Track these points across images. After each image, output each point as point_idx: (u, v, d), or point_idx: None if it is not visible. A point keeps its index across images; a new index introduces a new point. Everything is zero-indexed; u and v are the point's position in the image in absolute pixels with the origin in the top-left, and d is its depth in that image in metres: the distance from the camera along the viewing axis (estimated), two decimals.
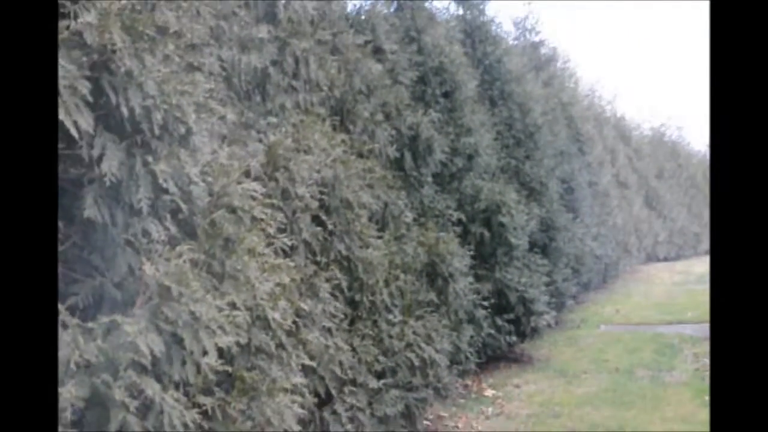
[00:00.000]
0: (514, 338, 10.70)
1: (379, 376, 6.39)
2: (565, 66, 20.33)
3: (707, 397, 9.38)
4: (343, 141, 6.51)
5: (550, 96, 15.79)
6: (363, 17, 8.75)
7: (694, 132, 60.90)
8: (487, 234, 10.21)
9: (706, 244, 31.23)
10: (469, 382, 9.64)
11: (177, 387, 3.80)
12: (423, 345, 6.99)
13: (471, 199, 10.14)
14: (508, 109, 12.47)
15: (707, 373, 10.63)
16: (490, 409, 8.93)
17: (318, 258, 5.82)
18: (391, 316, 6.83)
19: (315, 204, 5.73)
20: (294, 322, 4.89)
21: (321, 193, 5.87)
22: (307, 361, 5.03)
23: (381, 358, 6.46)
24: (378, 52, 8.33)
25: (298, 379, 4.73)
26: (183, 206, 4.04)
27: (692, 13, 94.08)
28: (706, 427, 8.15)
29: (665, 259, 26.23)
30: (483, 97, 11.87)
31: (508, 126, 12.44)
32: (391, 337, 6.69)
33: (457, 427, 8.36)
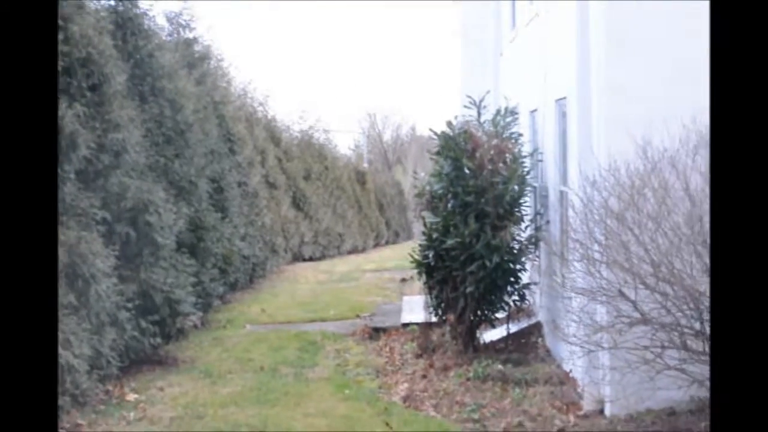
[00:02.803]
0: (159, 340, 10.52)
1: None
2: (219, 65, 20.34)
3: (347, 391, 9.81)
4: None
5: (202, 94, 15.72)
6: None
7: (340, 136, 63.49)
8: (133, 233, 9.94)
9: (349, 244, 32.68)
10: (110, 387, 9.30)
11: None
12: (60, 350, 6.65)
13: (117, 197, 9.81)
14: (159, 105, 12.23)
15: (348, 368, 11.12)
16: (132, 414, 8.68)
17: None
18: None
19: None
20: None
21: None
22: None
23: None
24: None
25: None
26: None
27: (337, 18, 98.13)
28: (346, 420, 8.57)
29: (311, 259, 27.02)
30: (133, 92, 11.53)
31: (158, 123, 12.19)
32: None
33: None
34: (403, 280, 18.39)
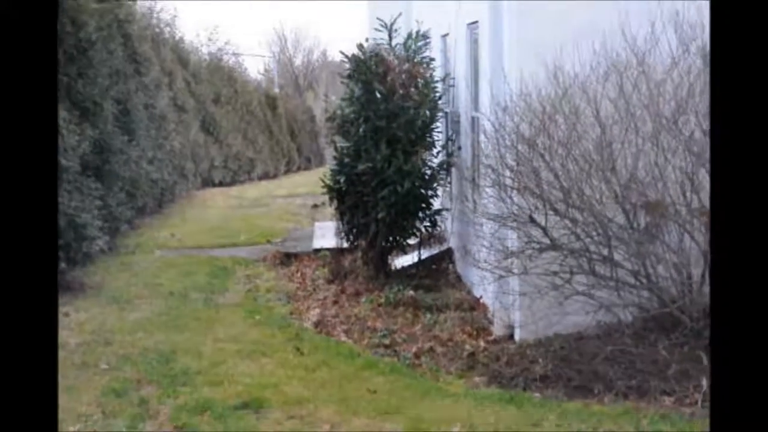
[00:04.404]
0: (64, 265, 10.24)
1: None
2: None
3: (258, 317, 9.75)
4: None
5: (105, 11, 15.09)
6: None
7: (251, 60, 62.21)
8: None
9: (260, 169, 32.31)
10: None
11: None
12: None
13: None
14: (59, 21, 11.71)
15: (259, 294, 11.05)
16: None
17: None
18: None
19: None
20: None
21: None
22: None
23: None
24: None
25: None
26: None
27: None
28: (256, 345, 8.54)
29: (221, 184, 26.64)
30: None
31: (58, 40, 11.69)
32: None
33: None
34: (315, 205, 18.30)
